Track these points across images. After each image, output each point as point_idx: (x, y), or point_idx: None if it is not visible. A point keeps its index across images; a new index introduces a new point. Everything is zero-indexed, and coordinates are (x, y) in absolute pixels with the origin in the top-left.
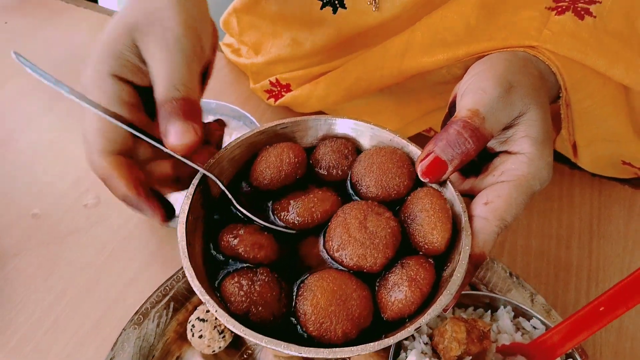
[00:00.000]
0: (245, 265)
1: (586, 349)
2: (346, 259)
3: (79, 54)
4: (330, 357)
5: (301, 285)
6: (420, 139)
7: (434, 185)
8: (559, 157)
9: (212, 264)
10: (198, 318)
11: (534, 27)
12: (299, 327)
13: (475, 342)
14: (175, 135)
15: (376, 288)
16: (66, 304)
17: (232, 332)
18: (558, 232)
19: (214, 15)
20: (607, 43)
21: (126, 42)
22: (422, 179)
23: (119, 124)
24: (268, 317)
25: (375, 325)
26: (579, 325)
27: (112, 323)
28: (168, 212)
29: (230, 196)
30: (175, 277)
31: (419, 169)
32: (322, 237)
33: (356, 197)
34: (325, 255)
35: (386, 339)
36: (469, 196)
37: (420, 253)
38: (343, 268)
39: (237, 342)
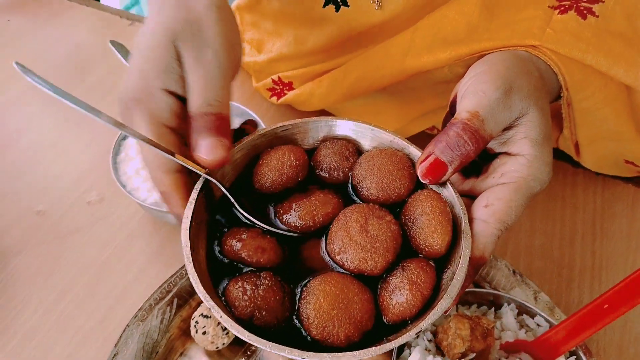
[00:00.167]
0: (248, 269)
1: (590, 347)
2: (347, 262)
3: (81, 52)
4: None
5: (304, 288)
6: (424, 137)
7: (434, 187)
8: (562, 156)
9: (216, 268)
10: (201, 314)
11: (536, 26)
12: (302, 330)
13: (479, 339)
14: (206, 149)
15: (378, 291)
16: (69, 301)
17: None
18: (561, 231)
19: None
20: (610, 43)
21: (172, 54)
22: (422, 180)
23: (151, 147)
24: (272, 321)
25: (378, 328)
26: (583, 323)
27: (115, 320)
28: None
29: (232, 200)
30: (178, 274)
31: (419, 170)
32: (324, 239)
33: (357, 199)
34: (327, 258)
35: (387, 344)
36: (469, 197)
37: (421, 256)
38: (344, 271)
39: (240, 339)
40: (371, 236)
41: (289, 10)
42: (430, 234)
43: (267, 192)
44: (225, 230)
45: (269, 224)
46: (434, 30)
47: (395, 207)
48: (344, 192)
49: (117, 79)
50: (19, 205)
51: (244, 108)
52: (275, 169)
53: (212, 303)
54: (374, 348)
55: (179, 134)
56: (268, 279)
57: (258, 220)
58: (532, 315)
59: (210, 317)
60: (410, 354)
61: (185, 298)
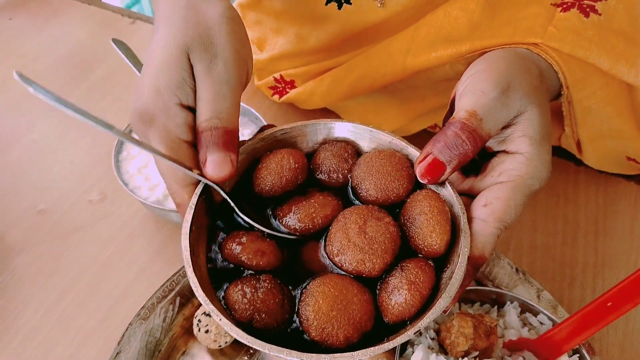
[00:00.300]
0: (248, 272)
1: (593, 345)
2: (345, 263)
3: (83, 50)
4: None
5: (303, 290)
6: (425, 136)
7: (432, 187)
8: (564, 154)
9: (216, 272)
10: (204, 313)
11: (539, 24)
12: (302, 332)
13: (482, 337)
14: (213, 165)
15: (377, 292)
16: (70, 300)
17: None
18: (564, 228)
19: None
20: (612, 41)
21: (185, 67)
22: (421, 181)
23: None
24: (272, 323)
25: (377, 328)
26: (586, 321)
27: (117, 319)
28: None
29: (232, 204)
30: (180, 272)
31: (418, 170)
32: (323, 241)
33: (357, 201)
34: (326, 260)
35: (386, 343)
36: (469, 196)
37: (420, 255)
38: (343, 272)
39: None
40: (370, 238)
41: (291, 8)
42: (429, 233)
43: (267, 195)
44: (226, 234)
45: (268, 227)
46: (435, 28)
47: (395, 208)
48: (344, 194)
49: (119, 77)
50: (20, 204)
51: (246, 106)
52: (274, 172)
53: (212, 306)
54: (372, 348)
55: (194, 147)
56: (268, 281)
57: (258, 224)
58: (535, 313)
59: None
60: (413, 352)
61: (188, 296)
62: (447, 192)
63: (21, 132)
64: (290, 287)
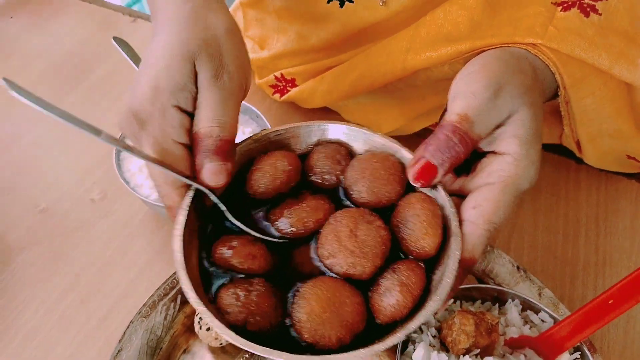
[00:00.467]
0: (240, 276)
1: (594, 343)
2: (336, 266)
3: (84, 49)
4: None
5: (296, 293)
6: (425, 135)
7: (425, 190)
8: (565, 152)
9: (208, 276)
10: None
11: (539, 23)
12: (295, 334)
13: (484, 335)
14: (209, 173)
15: (369, 293)
16: (72, 299)
17: None
18: (565, 227)
19: None
20: (612, 41)
21: (189, 73)
22: (414, 184)
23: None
24: (266, 325)
25: (370, 330)
26: (587, 319)
27: (118, 319)
28: None
29: (223, 208)
30: None
31: (411, 174)
32: (314, 244)
33: (349, 203)
34: (318, 263)
35: (376, 345)
36: (459, 196)
37: (412, 257)
38: (334, 275)
39: None
40: (360, 241)
41: (292, 6)
42: (420, 235)
43: (260, 197)
44: (218, 237)
45: (261, 231)
46: (436, 26)
47: (386, 211)
48: (337, 196)
49: (120, 76)
50: (21, 203)
51: (247, 104)
52: (268, 174)
53: (204, 309)
54: (362, 350)
55: (187, 147)
56: (260, 284)
57: (250, 227)
58: (537, 311)
59: None
60: (414, 350)
61: None
62: (439, 194)
63: (22, 131)
64: (282, 290)
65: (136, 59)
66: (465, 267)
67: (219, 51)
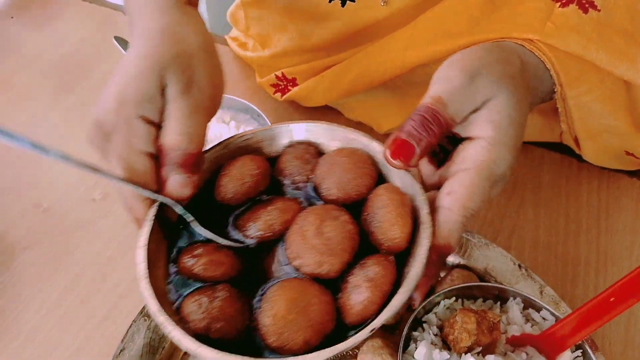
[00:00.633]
0: (205, 284)
1: (595, 341)
2: (304, 266)
3: (85, 49)
4: None
5: (262, 297)
6: None
7: (396, 178)
8: (566, 151)
9: (174, 286)
10: None
11: (537, 19)
12: (260, 339)
13: (485, 333)
14: (175, 185)
15: (339, 292)
16: (73, 299)
17: None
18: (566, 225)
19: (222, 9)
20: (611, 38)
21: (157, 84)
22: (392, 165)
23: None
24: (231, 331)
25: (339, 330)
26: (589, 316)
27: (120, 317)
28: None
29: (190, 219)
30: None
31: (388, 153)
32: (281, 246)
33: (319, 201)
34: (285, 264)
35: (339, 345)
36: (439, 188)
37: (383, 251)
38: (303, 275)
39: None
40: (327, 238)
41: (294, 5)
42: (389, 226)
43: (229, 203)
44: (184, 247)
45: (228, 237)
46: (436, 22)
47: (358, 206)
48: (308, 196)
49: None
50: (22, 202)
51: (248, 104)
52: (235, 178)
53: (162, 319)
54: (324, 351)
55: (154, 159)
56: (225, 290)
57: (217, 234)
58: (538, 309)
59: None
60: (416, 348)
61: None
62: (409, 182)
63: (23, 129)
64: (250, 295)
65: None
66: (441, 254)
67: (190, 66)
